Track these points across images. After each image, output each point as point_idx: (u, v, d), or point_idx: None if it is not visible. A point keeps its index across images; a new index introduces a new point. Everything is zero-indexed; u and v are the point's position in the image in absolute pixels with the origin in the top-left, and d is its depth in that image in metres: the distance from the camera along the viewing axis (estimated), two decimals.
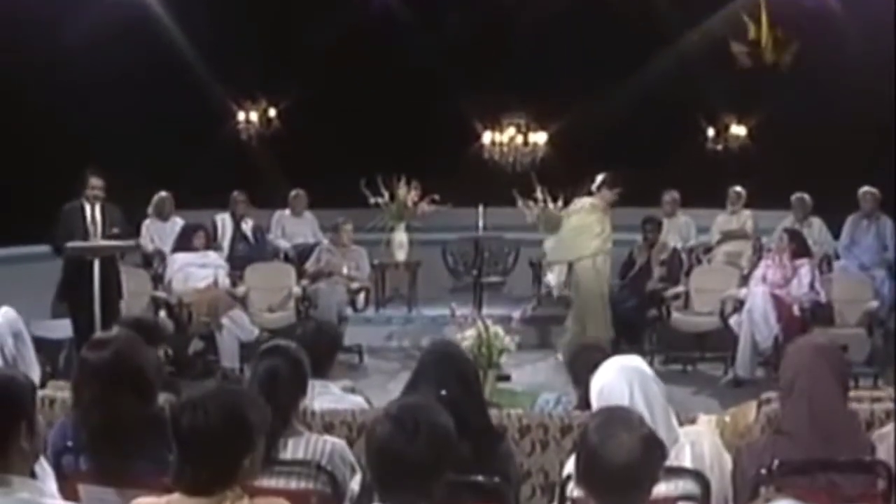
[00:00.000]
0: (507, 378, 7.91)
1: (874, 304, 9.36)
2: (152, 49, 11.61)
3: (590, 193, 9.31)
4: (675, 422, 3.41)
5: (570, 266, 9.35)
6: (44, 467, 3.29)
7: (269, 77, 13.03)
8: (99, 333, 4.08)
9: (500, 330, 7.49)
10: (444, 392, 3.31)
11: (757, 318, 8.84)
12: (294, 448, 3.52)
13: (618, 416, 2.73)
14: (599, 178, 9.25)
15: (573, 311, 9.30)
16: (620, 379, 3.35)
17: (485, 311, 8.99)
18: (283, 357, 3.69)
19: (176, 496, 2.72)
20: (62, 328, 8.43)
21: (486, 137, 13.39)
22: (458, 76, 12.44)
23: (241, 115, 13.46)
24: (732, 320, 9.17)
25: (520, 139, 13.42)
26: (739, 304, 9.21)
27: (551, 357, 9.33)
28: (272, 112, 13.57)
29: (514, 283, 11.64)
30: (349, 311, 10.14)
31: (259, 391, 3.33)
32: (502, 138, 13.42)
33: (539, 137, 13.44)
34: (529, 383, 8.19)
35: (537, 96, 12.86)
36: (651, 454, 2.61)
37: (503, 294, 11.32)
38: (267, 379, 3.55)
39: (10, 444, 2.66)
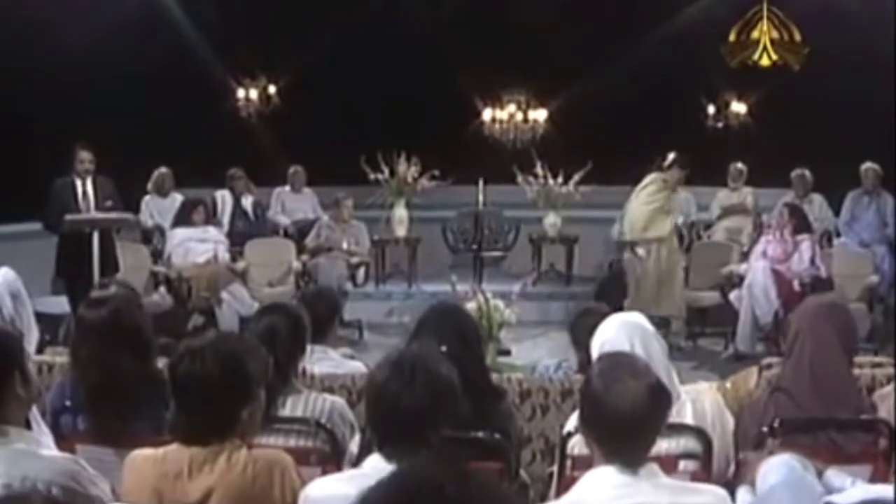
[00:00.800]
0: (507, 353, 7.88)
1: (874, 278, 9.34)
2: (152, 28, 11.52)
3: (660, 169, 9.33)
4: (676, 379, 3.39)
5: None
6: (41, 427, 3.28)
7: (268, 54, 12.96)
8: (96, 292, 4.05)
9: (500, 303, 7.47)
10: (444, 348, 3.28)
11: (757, 293, 8.82)
12: (293, 406, 3.50)
13: (623, 362, 2.67)
14: (671, 156, 9.30)
15: (641, 289, 9.27)
16: (621, 334, 3.33)
17: (484, 286, 8.92)
18: (283, 314, 3.67)
19: (173, 447, 2.70)
20: (62, 304, 8.39)
21: (487, 114, 13.30)
22: (458, 53, 12.34)
23: (241, 93, 13.37)
24: (733, 295, 9.14)
25: (520, 116, 13.34)
26: (739, 280, 9.18)
27: (552, 332, 9.29)
28: (272, 89, 13.49)
29: (515, 258, 11.59)
30: (349, 286, 10.13)
31: None
32: (502, 115, 13.34)
33: (539, 114, 13.36)
34: (529, 358, 8.14)
35: (537, 73, 12.77)
36: (657, 402, 2.56)
37: (503, 270, 11.28)
38: (266, 336, 3.50)
39: (6, 393, 2.65)
